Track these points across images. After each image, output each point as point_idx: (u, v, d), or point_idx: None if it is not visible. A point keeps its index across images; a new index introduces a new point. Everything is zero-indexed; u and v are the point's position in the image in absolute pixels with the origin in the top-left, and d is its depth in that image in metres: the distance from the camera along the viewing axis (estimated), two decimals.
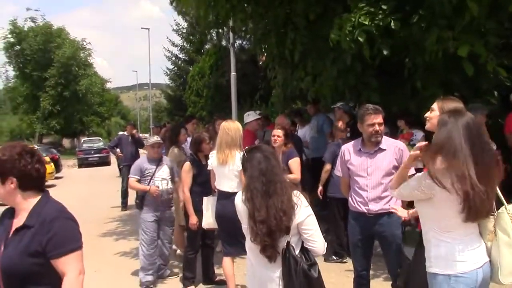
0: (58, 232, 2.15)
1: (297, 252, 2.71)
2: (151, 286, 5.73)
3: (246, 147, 3.07)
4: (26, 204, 2.24)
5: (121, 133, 12.63)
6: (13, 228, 2.22)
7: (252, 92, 19.98)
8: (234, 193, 4.88)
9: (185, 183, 5.45)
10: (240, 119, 8.94)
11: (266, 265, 2.76)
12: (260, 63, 21.66)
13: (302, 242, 2.78)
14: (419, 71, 6.36)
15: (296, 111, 9.52)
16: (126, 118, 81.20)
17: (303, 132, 8.78)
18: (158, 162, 5.90)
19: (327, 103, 7.96)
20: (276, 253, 2.69)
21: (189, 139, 7.26)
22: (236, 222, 4.87)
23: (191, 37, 30.40)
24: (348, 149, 4.28)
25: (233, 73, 14.61)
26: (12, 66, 41.74)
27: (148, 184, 5.76)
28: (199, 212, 5.38)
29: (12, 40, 40.60)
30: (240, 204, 2.86)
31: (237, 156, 4.83)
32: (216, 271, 5.91)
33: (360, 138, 4.23)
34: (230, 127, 4.92)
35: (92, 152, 27.69)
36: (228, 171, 4.89)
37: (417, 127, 7.00)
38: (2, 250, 2.19)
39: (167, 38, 31.90)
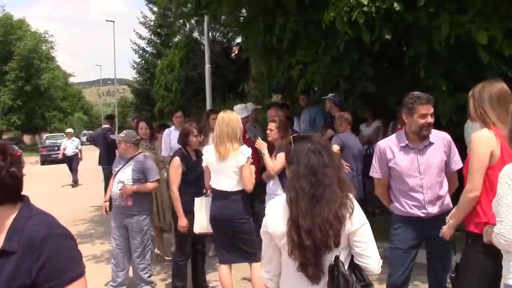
0: (52, 257, 1.52)
1: (345, 269, 2.17)
2: None
3: (294, 135, 2.48)
4: (1, 221, 1.60)
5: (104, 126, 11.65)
6: None
7: (225, 85, 19.45)
8: (233, 193, 4.40)
9: (173, 181, 4.86)
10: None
11: (306, 285, 2.20)
12: (233, 55, 21.21)
13: (352, 257, 2.24)
14: (422, 60, 5.93)
15: (282, 104, 8.99)
16: (89, 113, 79.34)
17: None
18: (126, 161, 5.13)
19: (316, 94, 7.47)
20: (319, 272, 2.14)
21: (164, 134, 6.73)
22: (233, 225, 4.46)
23: (158, 30, 29.58)
24: (389, 146, 3.70)
25: (207, 65, 13.91)
26: None
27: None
28: (189, 214, 4.81)
29: None
30: (277, 207, 2.27)
31: (239, 150, 4.31)
32: (208, 277, 5.37)
33: (401, 132, 3.71)
34: (231, 118, 4.37)
35: (56, 148, 26.39)
36: (227, 168, 4.34)
37: None
38: None
39: (134, 31, 31.01)
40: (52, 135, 31.96)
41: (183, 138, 4.97)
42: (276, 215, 2.24)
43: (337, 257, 2.13)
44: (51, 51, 43.34)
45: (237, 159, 4.29)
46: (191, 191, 4.87)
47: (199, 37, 21.00)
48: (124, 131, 5.31)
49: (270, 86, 8.77)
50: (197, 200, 4.75)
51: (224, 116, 4.40)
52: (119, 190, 4.97)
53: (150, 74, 29.48)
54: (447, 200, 3.64)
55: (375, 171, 3.79)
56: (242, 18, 8.80)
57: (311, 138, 2.28)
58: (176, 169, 4.84)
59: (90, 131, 50.59)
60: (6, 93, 38.64)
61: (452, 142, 3.62)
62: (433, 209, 3.55)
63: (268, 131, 5.07)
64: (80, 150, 15.90)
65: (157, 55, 29.42)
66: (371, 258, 2.20)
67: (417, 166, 3.57)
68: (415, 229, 3.59)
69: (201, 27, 16.41)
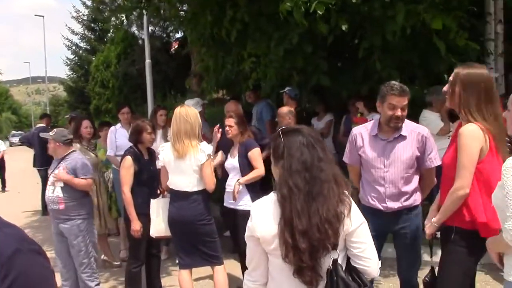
0: (20, 278, 1.20)
1: (344, 272, 1.96)
2: None
3: (282, 127, 2.22)
4: None
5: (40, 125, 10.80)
6: None
7: (165, 81, 18.89)
8: (193, 193, 4.11)
9: (125, 182, 4.50)
10: None
11: None
12: (173, 50, 20.62)
13: (348, 260, 2.04)
14: (377, 52, 5.87)
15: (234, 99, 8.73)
16: (17, 113, 75.24)
17: None
18: (58, 162, 4.65)
19: (268, 89, 7.27)
20: (318, 277, 1.91)
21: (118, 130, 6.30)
22: (194, 227, 4.17)
23: (92, 25, 28.40)
24: (360, 133, 3.56)
25: (147, 61, 13.33)
26: None
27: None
28: (143, 216, 4.48)
29: None
30: (264, 207, 2.02)
31: (198, 147, 4.04)
32: (163, 282, 5.05)
33: (377, 120, 3.56)
34: (189, 113, 4.07)
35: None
36: (186, 166, 4.05)
37: (375, 112, 6.61)
38: None
39: (66, 26, 29.49)
40: None
41: (136, 136, 4.62)
42: (264, 216, 1.99)
43: (335, 260, 1.92)
44: None
45: (196, 157, 4.03)
46: (145, 193, 4.55)
47: (137, 32, 20.24)
48: (55, 130, 4.84)
49: (217, 81, 8.46)
50: (153, 202, 4.45)
51: (181, 111, 4.10)
52: (51, 194, 4.54)
53: (84, 70, 28.20)
54: (415, 197, 3.52)
55: (346, 157, 3.69)
56: (186, 11, 8.44)
57: (301, 130, 2.05)
58: (127, 169, 4.49)
59: (20, 132, 47.97)
60: None
61: (430, 138, 3.47)
62: (393, 204, 3.44)
63: (226, 128, 4.76)
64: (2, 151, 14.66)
65: (92, 51, 28.15)
66: (370, 260, 2.01)
67: (383, 158, 3.45)
68: (377, 221, 3.43)
69: (140, 21, 15.75)
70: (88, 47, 28.78)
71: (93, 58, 26.37)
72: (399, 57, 6.01)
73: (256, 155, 4.62)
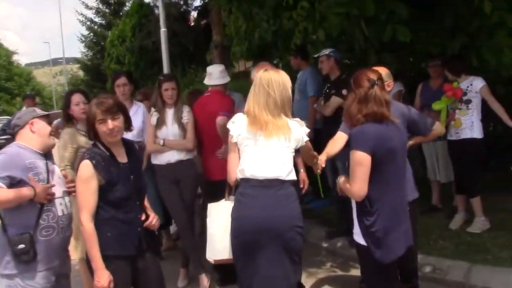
0: None
1: None
2: None
3: None
4: None
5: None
6: None
7: (183, 55, 16.92)
8: (288, 182, 2.66)
9: (83, 205, 2.53)
10: None
11: None
12: (192, 22, 18.58)
13: None
14: None
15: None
16: (40, 94, 74.55)
17: None
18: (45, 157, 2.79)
19: (322, 47, 5.11)
20: None
21: None
22: (290, 237, 2.61)
23: None
24: None
25: (163, 29, 11.17)
26: None
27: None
28: (117, 263, 2.53)
29: None
30: None
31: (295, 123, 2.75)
32: None
33: None
34: (286, 81, 2.78)
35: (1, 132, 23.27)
36: (280, 146, 2.68)
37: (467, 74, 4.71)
38: None
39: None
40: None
41: (89, 127, 2.61)
42: None
43: None
44: None
45: (295, 135, 2.70)
46: (119, 221, 2.60)
47: (152, 0, 18.22)
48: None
49: (250, 45, 6.26)
50: (211, 207, 3.01)
51: (277, 77, 2.74)
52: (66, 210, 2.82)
53: (100, 47, 26.57)
54: None
55: None
56: None
57: None
58: (86, 183, 2.50)
59: None
60: None
61: None
62: None
63: None
64: None
65: (107, 26, 26.55)
66: None
67: None
68: None
69: None
70: (103, 22, 27.14)
71: (109, 34, 24.64)
72: None
73: None
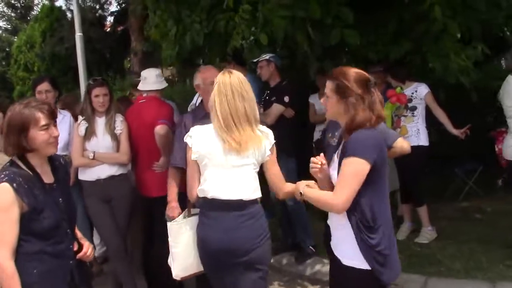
0: None
1: None
2: None
3: None
4: None
5: None
6: None
7: (100, 62, 16.01)
8: (251, 202, 2.45)
9: (2, 239, 2.01)
10: None
11: None
12: (108, 28, 17.66)
13: None
14: None
15: None
16: None
17: None
18: None
19: (265, 50, 4.80)
20: None
21: None
22: (248, 254, 2.50)
23: (13, 1, 24.87)
24: None
25: (78, 34, 10.26)
26: None
27: None
28: None
29: None
30: None
31: (261, 136, 2.54)
32: None
33: None
34: (244, 84, 2.51)
35: None
36: (245, 164, 2.47)
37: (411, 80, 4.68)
38: None
39: None
40: None
41: (16, 138, 2.10)
42: None
43: None
44: None
45: (261, 150, 2.49)
46: (48, 254, 2.13)
47: (65, 4, 17.15)
48: None
49: (181, 49, 5.76)
50: (172, 226, 2.72)
51: (233, 81, 2.47)
52: None
53: (5, 53, 24.72)
54: None
55: None
56: None
57: None
58: (5, 212, 1.99)
59: None
60: None
61: None
62: None
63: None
64: None
65: (13, 31, 24.77)
66: None
67: None
68: None
69: None
70: (9, 26, 25.29)
71: (15, 39, 23.00)
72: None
73: None
